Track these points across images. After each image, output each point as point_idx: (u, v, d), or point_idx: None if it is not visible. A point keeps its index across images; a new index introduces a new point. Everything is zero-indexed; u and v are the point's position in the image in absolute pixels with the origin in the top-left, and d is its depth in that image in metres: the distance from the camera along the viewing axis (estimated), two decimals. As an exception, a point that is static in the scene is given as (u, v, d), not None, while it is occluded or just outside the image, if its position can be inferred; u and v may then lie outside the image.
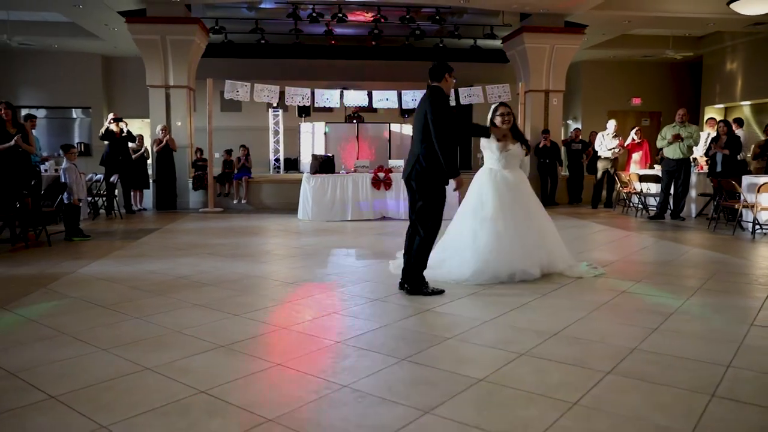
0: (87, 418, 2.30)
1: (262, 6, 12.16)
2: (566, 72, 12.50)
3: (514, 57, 12.67)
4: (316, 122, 14.06)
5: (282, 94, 10.69)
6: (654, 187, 9.95)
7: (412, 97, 10.81)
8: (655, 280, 4.92)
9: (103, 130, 10.48)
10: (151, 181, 11.10)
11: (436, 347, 3.18)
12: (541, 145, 11.80)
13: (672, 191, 9.18)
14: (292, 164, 14.90)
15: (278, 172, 14.76)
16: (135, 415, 2.34)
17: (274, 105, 13.84)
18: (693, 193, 9.59)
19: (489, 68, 15.25)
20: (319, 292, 4.60)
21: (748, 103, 13.85)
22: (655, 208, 9.53)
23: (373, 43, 13.87)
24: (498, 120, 4.95)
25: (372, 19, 12.14)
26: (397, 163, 9.86)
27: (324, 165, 9.61)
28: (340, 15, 11.61)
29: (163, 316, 3.80)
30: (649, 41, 14.02)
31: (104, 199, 9.88)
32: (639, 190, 10.03)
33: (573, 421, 2.30)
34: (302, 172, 11.48)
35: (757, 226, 7.38)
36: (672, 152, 8.98)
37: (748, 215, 7.64)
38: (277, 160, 15.00)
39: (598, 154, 11.29)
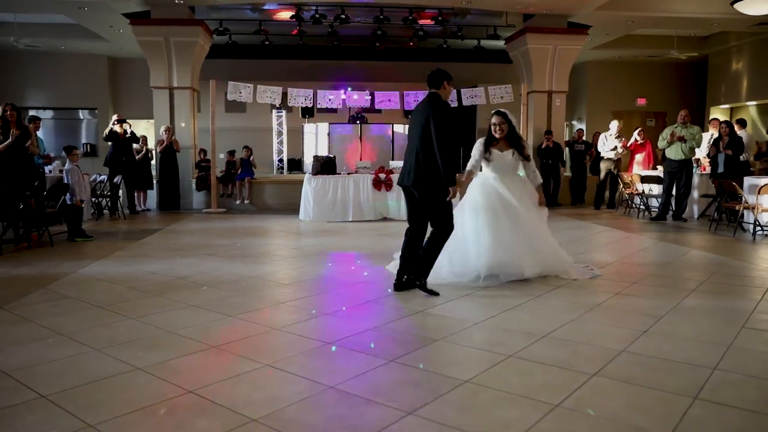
0: (75, 417, 2.35)
1: (266, 8, 12.22)
2: (570, 72, 12.49)
3: (517, 58, 12.66)
4: (320, 123, 14.11)
5: (285, 95, 10.74)
6: (656, 188, 9.93)
7: (414, 98, 10.83)
8: (650, 282, 4.93)
9: (107, 131, 10.57)
10: (154, 181, 11.18)
11: (424, 349, 3.22)
12: (543, 146, 11.79)
13: (674, 192, 9.16)
14: (296, 165, 14.97)
15: (282, 172, 14.83)
16: (122, 414, 2.39)
17: (277, 105, 13.90)
18: (695, 194, 9.56)
19: (493, 69, 15.24)
20: (315, 293, 4.64)
21: (754, 103, 13.78)
22: (657, 210, 9.50)
23: (377, 44, 13.89)
24: (491, 129, 4.99)
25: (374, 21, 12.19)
26: (399, 164, 9.88)
27: (325, 166, 9.66)
28: (343, 16, 11.65)
29: (158, 317, 3.86)
30: (654, 41, 13.97)
31: (108, 199, 9.97)
32: (641, 191, 10.01)
33: (553, 422, 2.32)
34: (305, 173, 11.53)
35: (758, 228, 7.36)
36: (674, 153, 8.96)
37: (749, 217, 7.61)
38: (280, 160, 15.08)
39: (601, 154, 11.28)
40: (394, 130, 13.72)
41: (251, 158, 11.36)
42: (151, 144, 11.32)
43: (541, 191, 5.10)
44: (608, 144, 11.11)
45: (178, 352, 3.15)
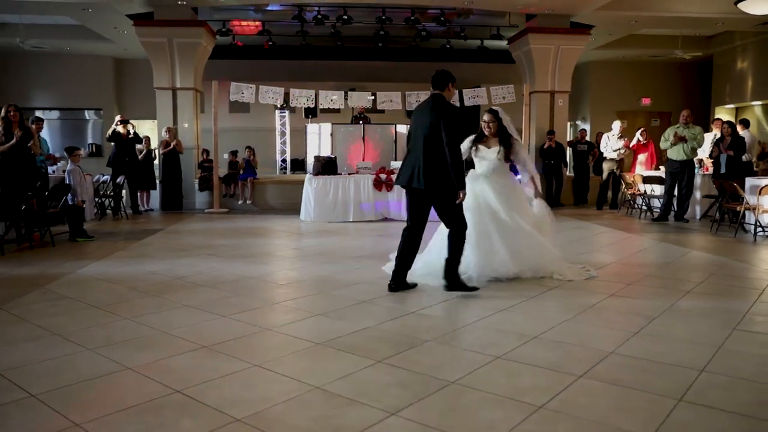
0: (62, 416, 2.38)
1: (269, 8, 12.26)
2: (574, 73, 12.46)
3: (520, 58, 12.64)
4: (323, 123, 14.13)
5: (287, 95, 10.77)
6: (658, 189, 9.89)
7: (416, 99, 10.83)
8: (647, 283, 4.92)
9: (110, 131, 10.64)
10: (157, 182, 11.25)
11: (414, 350, 3.22)
12: (546, 146, 11.77)
13: (676, 193, 9.11)
14: (299, 165, 15.01)
15: (285, 172, 14.88)
16: (109, 413, 2.42)
17: (279, 106, 13.94)
18: (698, 194, 9.51)
19: (496, 69, 15.22)
20: (310, 293, 4.66)
21: (759, 103, 13.69)
22: (659, 210, 9.46)
23: (380, 44, 13.91)
24: (481, 126, 5.02)
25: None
26: (399, 165, 9.89)
27: (326, 166, 9.68)
28: (345, 17, 11.67)
29: (154, 317, 3.89)
30: (658, 41, 13.91)
31: (111, 199, 10.04)
32: (643, 192, 9.97)
33: (536, 424, 2.33)
34: (307, 173, 11.56)
35: (759, 229, 7.31)
36: (675, 154, 8.92)
37: (750, 217, 7.57)
38: (283, 161, 15.12)
39: (604, 155, 11.24)
40: (397, 130, 13.71)
41: (251, 158, 11.38)
42: (154, 144, 11.38)
43: (535, 183, 5.13)
44: (611, 144, 11.07)
45: (170, 352, 3.17)
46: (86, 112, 15.38)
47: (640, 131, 11.51)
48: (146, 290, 4.66)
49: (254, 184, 11.30)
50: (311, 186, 9.48)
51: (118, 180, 9.98)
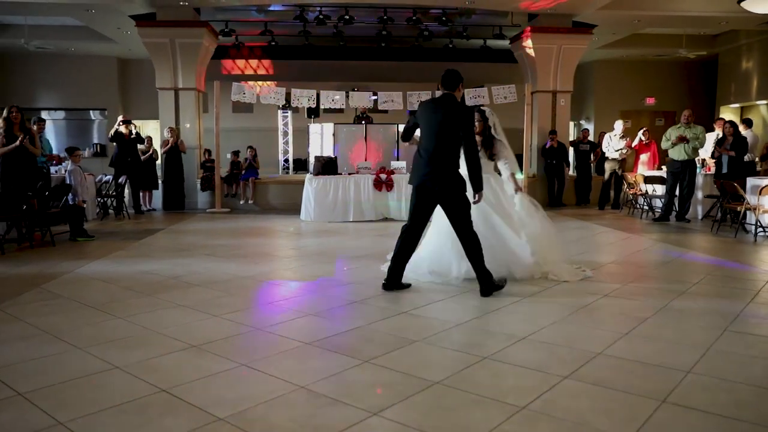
0: (47, 415, 2.41)
1: (271, 9, 12.29)
2: (577, 72, 12.41)
3: (522, 57, 12.61)
4: (325, 123, 14.15)
5: (288, 95, 10.80)
6: (660, 189, 9.85)
7: (417, 98, 10.83)
8: (642, 284, 4.90)
9: (112, 132, 10.71)
10: (159, 181, 11.30)
11: (401, 350, 3.23)
12: (548, 146, 11.74)
13: (677, 193, 9.07)
14: (302, 165, 15.04)
15: (287, 172, 14.90)
16: (94, 412, 2.44)
17: (280, 106, 13.96)
18: (699, 194, 9.46)
19: (499, 68, 15.17)
20: (304, 293, 4.68)
21: (764, 102, 13.58)
22: (660, 210, 9.42)
23: (383, 44, 13.91)
24: None
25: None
26: (400, 165, 9.91)
27: (326, 166, 9.70)
28: (347, 17, 11.68)
29: (146, 316, 3.91)
30: (662, 40, 13.83)
31: (113, 199, 10.10)
32: (644, 192, 9.93)
33: (516, 425, 2.34)
34: (309, 173, 11.59)
35: (760, 229, 7.27)
36: (676, 154, 8.87)
37: (751, 217, 7.53)
38: (286, 160, 15.15)
39: (606, 155, 11.21)
40: (399, 130, 13.72)
41: (252, 158, 11.41)
42: (156, 144, 11.44)
43: (514, 179, 5.19)
44: (613, 144, 11.03)
45: (160, 351, 3.20)
46: (91, 112, 15.47)
47: (642, 131, 11.46)
48: (141, 290, 4.69)
49: (256, 184, 11.33)
50: (311, 186, 9.50)
51: (120, 180, 10.04)
